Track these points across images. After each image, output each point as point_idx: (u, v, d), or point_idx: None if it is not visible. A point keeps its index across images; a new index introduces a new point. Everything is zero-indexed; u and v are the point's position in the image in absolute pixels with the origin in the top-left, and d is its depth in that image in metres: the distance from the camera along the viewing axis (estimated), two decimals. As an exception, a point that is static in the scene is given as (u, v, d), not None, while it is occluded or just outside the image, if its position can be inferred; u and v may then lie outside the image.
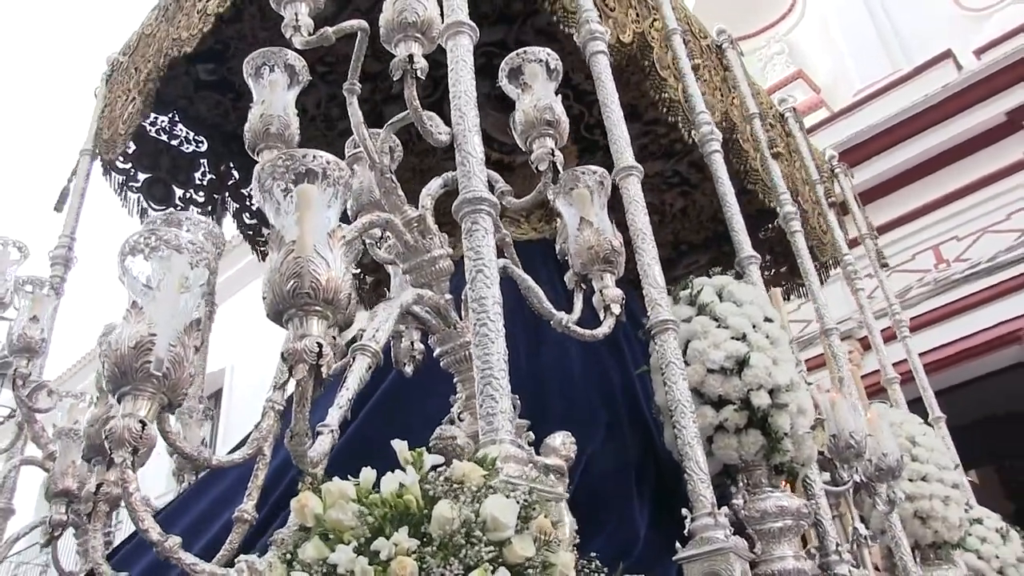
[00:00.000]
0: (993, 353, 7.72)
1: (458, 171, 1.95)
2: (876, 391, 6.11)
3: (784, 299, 5.56)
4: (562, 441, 2.15)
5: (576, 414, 2.81)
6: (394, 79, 1.96)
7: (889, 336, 6.65)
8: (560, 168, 2.13)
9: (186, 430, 3.52)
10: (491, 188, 2.32)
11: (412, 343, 2.42)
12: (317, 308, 1.42)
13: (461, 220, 1.90)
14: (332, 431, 1.63)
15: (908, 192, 8.22)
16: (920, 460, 3.83)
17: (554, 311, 2.13)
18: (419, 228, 2.16)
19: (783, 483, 2.69)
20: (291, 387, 1.56)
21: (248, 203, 4.65)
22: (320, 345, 1.39)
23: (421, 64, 1.95)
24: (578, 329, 2.11)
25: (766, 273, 5.57)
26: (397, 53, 1.96)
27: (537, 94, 2.17)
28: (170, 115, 4.55)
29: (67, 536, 2.97)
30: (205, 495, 2.82)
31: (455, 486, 1.33)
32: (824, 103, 9.21)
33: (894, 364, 5.51)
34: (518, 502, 1.31)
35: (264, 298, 1.45)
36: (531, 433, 2.24)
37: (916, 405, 5.14)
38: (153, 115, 4.46)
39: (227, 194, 4.62)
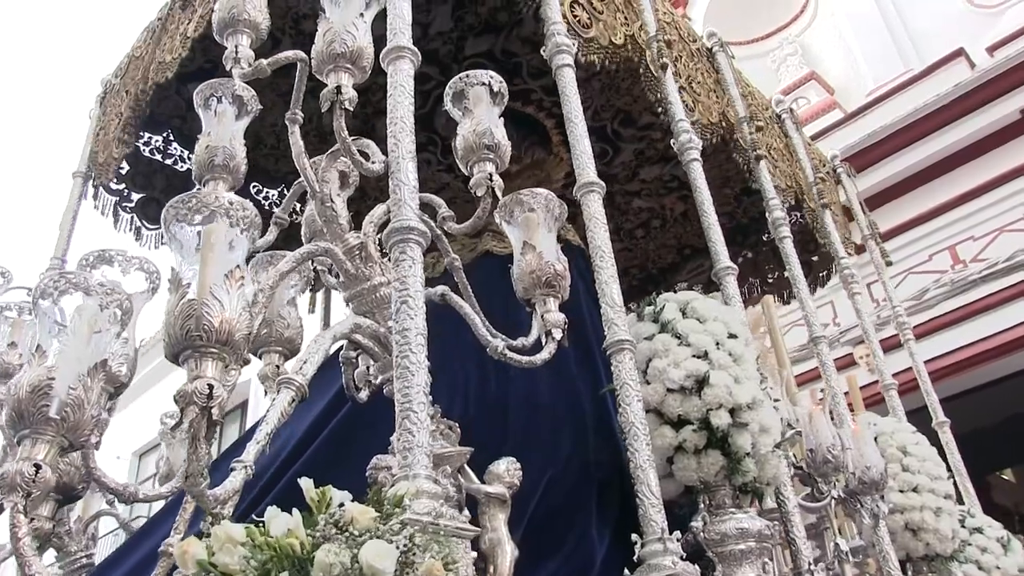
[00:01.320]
0: (1015, 353, 7.57)
1: (390, 199, 1.95)
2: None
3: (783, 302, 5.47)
4: (506, 468, 2.14)
5: (542, 435, 2.79)
6: (323, 111, 1.96)
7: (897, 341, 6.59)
8: (499, 193, 2.11)
9: (170, 451, 3.54)
10: (434, 213, 2.32)
11: (368, 368, 2.41)
12: (212, 350, 1.42)
13: (390, 249, 1.90)
14: (246, 467, 1.64)
15: (923, 192, 8.11)
16: (911, 470, 3.76)
17: (490, 338, 2.11)
18: (360, 256, 2.15)
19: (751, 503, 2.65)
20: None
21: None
22: (211, 387, 1.39)
23: (350, 95, 1.94)
24: (515, 355, 2.10)
25: (770, 276, 5.52)
26: (328, 83, 1.96)
27: (477, 118, 2.16)
28: (164, 135, 4.58)
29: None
30: (164, 524, 2.84)
31: (339, 530, 1.33)
32: (838, 104, 9.12)
33: (908, 369, 5.46)
34: (399, 547, 1.30)
35: (163, 340, 1.46)
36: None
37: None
38: (147, 135, 4.49)
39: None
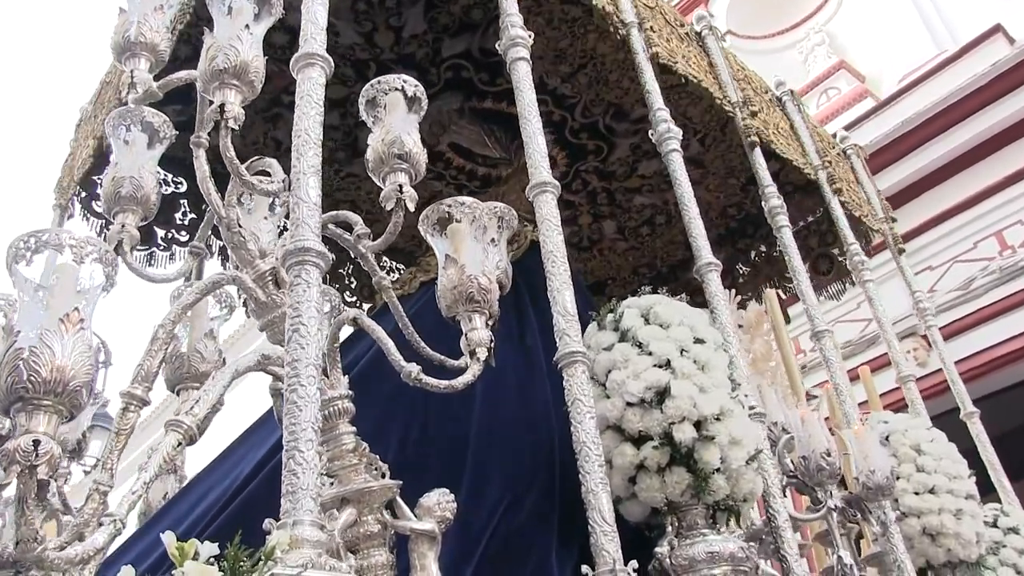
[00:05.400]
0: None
1: (289, 218, 1.83)
2: (936, 392, 5.71)
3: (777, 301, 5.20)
4: (437, 500, 2.00)
5: (504, 459, 2.64)
6: (209, 129, 1.85)
7: (951, 332, 6.26)
8: (411, 205, 1.98)
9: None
10: (350, 230, 2.20)
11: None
12: (44, 402, 1.31)
13: (287, 272, 1.77)
14: (115, 520, 1.52)
15: (965, 177, 7.73)
16: (927, 470, 3.50)
17: (403, 363, 1.97)
18: (274, 281, 2.04)
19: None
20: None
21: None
22: (36, 443, 1.27)
23: (235, 113, 1.82)
24: (431, 380, 1.95)
25: (787, 271, 5.27)
26: (214, 101, 1.85)
27: (387, 126, 2.03)
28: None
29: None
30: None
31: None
32: (869, 92, 8.77)
33: (957, 361, 5.18)
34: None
35: (-3, 392, 1.35)
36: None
37: (982, 403, 4.83)
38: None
39: (209, 233, 4.56)
